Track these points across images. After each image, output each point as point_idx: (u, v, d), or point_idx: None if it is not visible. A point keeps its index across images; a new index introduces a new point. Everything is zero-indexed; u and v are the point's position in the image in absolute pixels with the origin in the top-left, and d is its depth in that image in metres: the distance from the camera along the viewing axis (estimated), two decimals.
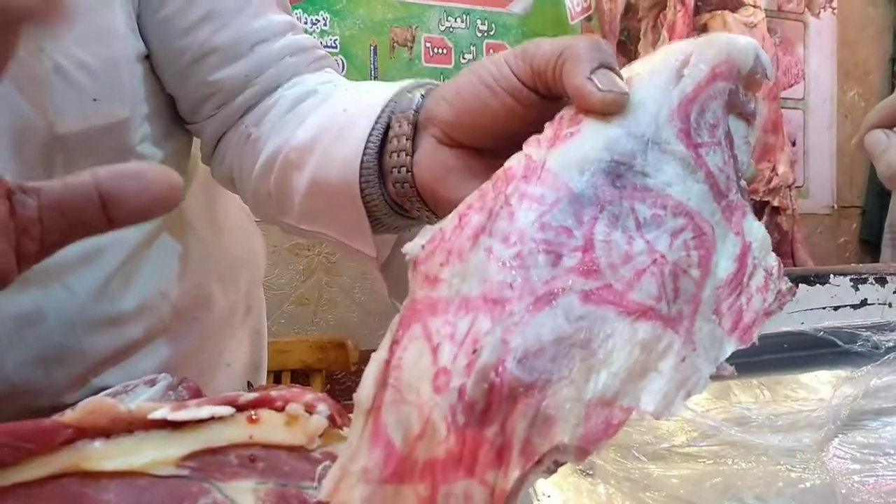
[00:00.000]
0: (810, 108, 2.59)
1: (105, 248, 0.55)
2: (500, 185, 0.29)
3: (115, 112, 0.52)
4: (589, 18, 2.21)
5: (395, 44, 1.98)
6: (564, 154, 0.28)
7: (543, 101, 0.34)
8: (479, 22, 2.08)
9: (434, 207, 0.40)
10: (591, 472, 0.41)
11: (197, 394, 0.38)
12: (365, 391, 0.26)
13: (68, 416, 0.25)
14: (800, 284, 0.68)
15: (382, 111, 0.41)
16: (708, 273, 0.27)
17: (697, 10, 2.10)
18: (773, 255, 0.29)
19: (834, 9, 2.46)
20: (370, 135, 0.41)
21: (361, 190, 0.41)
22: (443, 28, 2.04)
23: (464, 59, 2.07)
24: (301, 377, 1.69)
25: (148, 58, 0.55)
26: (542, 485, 0.39)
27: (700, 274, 0.27)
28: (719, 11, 2.09)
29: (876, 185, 2.63)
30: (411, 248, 0.29)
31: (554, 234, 0.26)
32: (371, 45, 1.95)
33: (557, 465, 0.24)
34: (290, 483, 0.26)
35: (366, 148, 0.41)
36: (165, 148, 0.58)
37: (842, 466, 0.41)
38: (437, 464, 0.24)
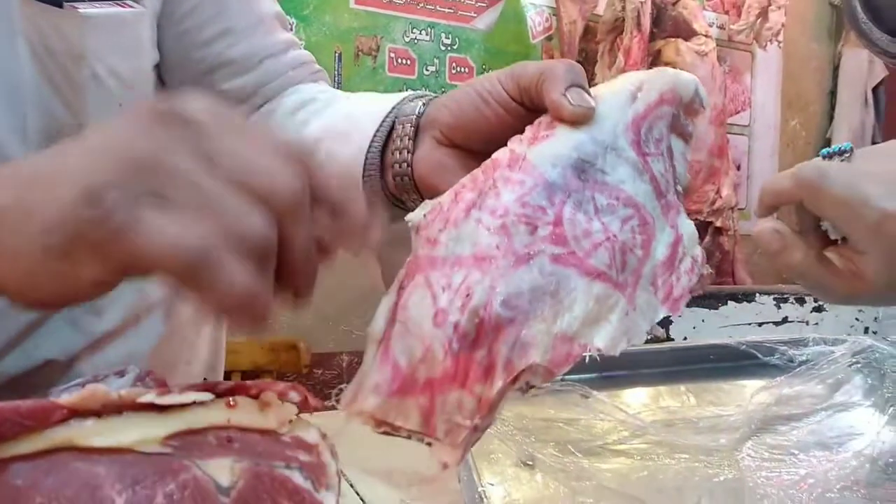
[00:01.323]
0: (755, 134, 2.71)
1: None
2: (488, 171, 0.35)
3: None
4: (549, 38, 2.28)
5: (359, 52, 2.01)
6: (541, 150, 0.35)
7: (527, 112, 0.40)
8: (443, 35, 2.13)
9: (429, 198, 0.44)
10: (531, 464, 0.45)
11: (163, 385, 0.41)
12: (377, 325, 0.32)
13: (64, 398, 0.28)
14: (728, 301, 0.74)
15: (387, 116, 0.47)
16: (648, 254, 0.34)
17: (652, 37, 2.19)
18: (699, 246, 0.37)
19: (780, 42, 2.58)
20: (375, 135, 0.47)
21: (363, 182, 0.47)
22: (407, 39, 2.08)
23: (427, 70, 2.11)
24: (252, 378, 1.69)
25: (157, 66, 0.59)
26: (486, 475, 0.43)
27: (642, 254, 0.34)
28: (673, 39, 2.18)
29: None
30: (414, 216, 0.35)
31: (531, 210, 0.33)
32: (336, 52, 1.97)
33: (529, 386, 0.30)
34: (263, 462, 0.30)
35: (370, 146, 0.47)
36: None
37: (752, 464, 0.46)
38: (435, 381, 0.30)
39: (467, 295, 0.30)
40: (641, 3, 2.13)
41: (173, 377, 0.71)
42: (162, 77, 0.61)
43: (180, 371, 0.71)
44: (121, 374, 0.45)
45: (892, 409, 0.51)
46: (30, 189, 0.27)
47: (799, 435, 0.50)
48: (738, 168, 2.61)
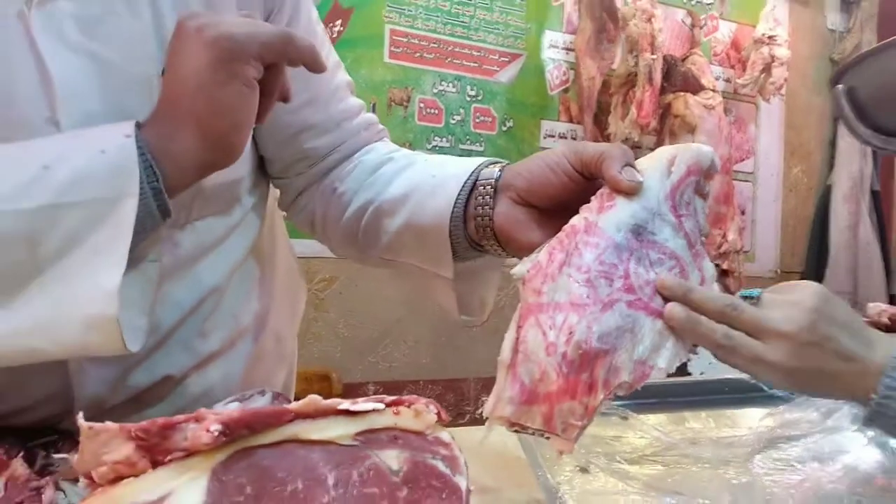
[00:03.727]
0: (759, 181, 2.85)
1: (204, 267, 0.69)
2: (571, 236, 0.48)
3: (239, 171, 0.70)
4: (566, 90, 2.44)
5: (392, 102, 2.17)
6: (608, 218, 0.48)
7: (585, 180, 0.53)
8: (468, 87, 2.29)
9: (505, 244, 0.58)
10: (586, 469, 0.57)
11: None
12: (504, 355, 0.45)
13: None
14: None
15: (468, 177, 0.61)
16: None
17: (663, 91, 2.34)
18: (717, 283, 0.50)
19: (783, 95, 2.73)
20: (459, 193, 0.60)
21: (450, 231, 0.60)
22: (436, 91, 2.23)
23: (453, 119, 2.27)
24: None
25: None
26: (556, 476, 0.55)
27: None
28: (682, 93, 2.32)
29: (814, 254, 2.90)
30: (518, 271, 0.48)
31: (607, 267, 0.46)
32: (371, 103, 2.13)
33: (615, 396, 0.43)
34: (418, 454, 0.42)
35: (455, 202, 0.60)
36: (255, 195, 0.75)
37: (761, 472, 0.58)
38: (552, 394, 0.43)
39: (570, 332, 0.43)
40: (653, 59, 2.28)
41: (255, 401, 0.83)
42: (255, 137, 0.73)
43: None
44: (262, 393, 0.58)
45: (871, 433, 0.63)
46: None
47: (798, 451, 0.62)
48: (743, 213, 2.75)
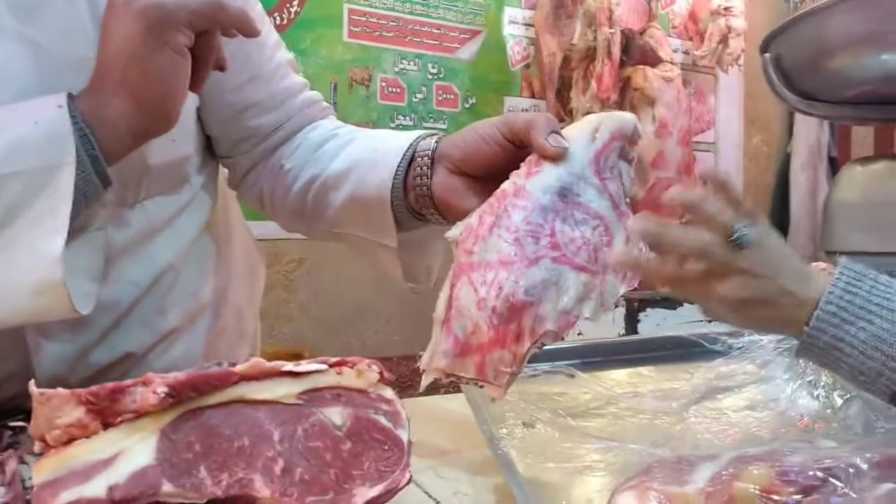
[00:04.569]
0: (721, 151, 2.91)
1: (158, 246, 0.71)
2: (500, 199, 0.51)
3: (185, 149, 0.71)
4: (528, 66, 2.45)
5: (353, 82, 2.17)
6: (535, 182, 0.51)
7: (516, 149, 0.56)
8: (430, 65, 2.29)
9: (444, 213, 0.61)
10: (532, 425, 0.60)
11: None
12: (439, 311, 0.49)
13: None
14: (685, 304, 0.90)
15: (406, 150, 0.63)
16: (612, 249, 0.51)
17: (622, 64, 2.36)
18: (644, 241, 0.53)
19: (741, 66, 2.78)
20: (398, 165, 0.63)
21: (391, 202, 0.63)
22: (397, 69, 2.24)
23: (415, 98, 2.27)
24: None
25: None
26: (501, 432, 0.58)
27: (608, 250, 0.51)
28: (641, 67, 2.35)
29: (776, 221, 2.97)
30: (451, 234, 0.51)
31: (534, 227, 0.49)
32: (332, 83, 2.12)
33: (542, 345, 0.46)
34: (360, 410, 0.45)
35: (395, 174, 0.62)
36: (204, 175, 0.77)
37: (695, 420, 0.62)
38: (484, 345, 0.46)
39: (499, 287, 0.46)
40: (612, 33, 2.30)
41: None
42: (200, 116, 0.74)
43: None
44: (220, 365, 0.60)
45: (800, 381, 0.67)
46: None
47: (732, 401, 0.66)
48: (705, 183, 2.80)
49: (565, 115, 2.44)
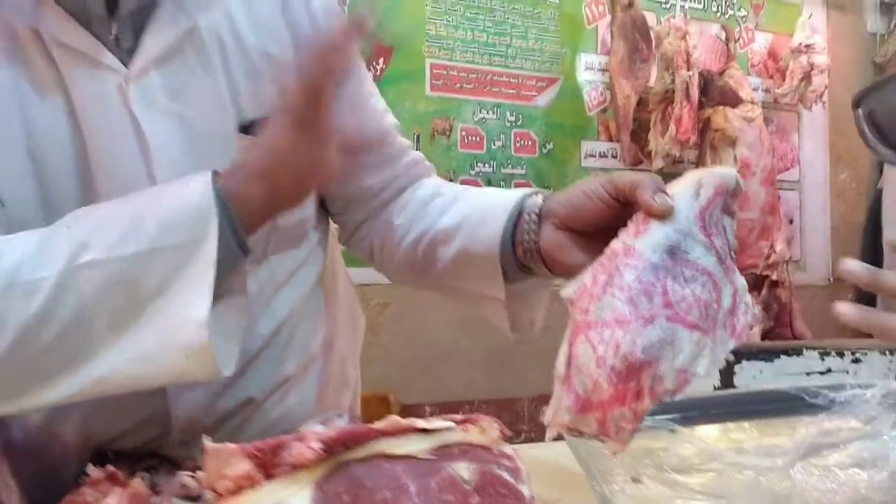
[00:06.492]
0: (805, 189, 2.84)
1: (280, 299, 0.77)
2: (611, 259, 0.53)
3: (307, 210, 0.78)
4: (604, 110, 2.49)
5: (435, 133, 2.25)
6: (644, 241, 0.53)
7: (621, 206, 0.58)
8: (508, 113, 2.36)
9: (551, 267, 0.64)
10: (639, 480, 0.63)
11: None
12: (559, 369, 0.50)
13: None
14: (781, 356, 0.90)
15: (515, 207, 0.67)
16: (720, 305, 0.53)
17: (701, 105, 2.37)
18: (749, 295, 0.55)
19: (825, 102, 2.73)
20: (507, 221, 0.67)
21: (500, 256, 0.67)
22: (476, 119, 2.32)
23: (494, 145, 2.34)
24: None
25: None
26: (610, 486, 0.61)
27: (716, 306, 0.52)
28: (721, 107, 2.35)
29: (868, 260, 2.85)
30: (566, 293, 0.53)
31: (646, 286, 0.51)
32: (415, 134, 2.22)
33: (661, 401, 0.49)
34: (486, 465, 0.49)
35: (503, 230, 0.67)
36: (319, 231, 0.84)
37: (801, 479, 0.62)
38: (604, 402, 0.48)
39: (617, 346, 0.49)
40: (689, 75, 2.32)
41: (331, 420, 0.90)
42: None
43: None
44: (340, 416, 0.65)
45: None
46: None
47: (838, 458, 0.66)
48: (791, 222, 2.73)
49: (643, 157, 2.45)
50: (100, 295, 0.54)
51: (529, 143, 2.39)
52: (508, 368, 2.29)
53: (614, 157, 2.50)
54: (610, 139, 2.49)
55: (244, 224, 0.59)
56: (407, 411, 2.15)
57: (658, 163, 2.38)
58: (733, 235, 0.57)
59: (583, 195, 0.61)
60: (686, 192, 0.55)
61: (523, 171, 2.38)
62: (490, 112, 2.34)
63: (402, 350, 2.19)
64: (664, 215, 0.53)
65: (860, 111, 0.70)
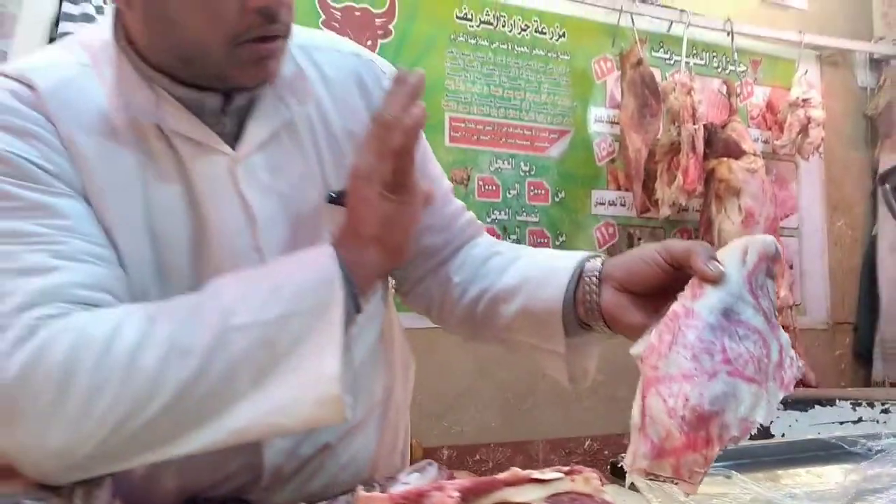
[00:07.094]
0: (804, 236, 2.94)
1: (354, 349, 0.83)
2: (674, 320, 0.60)
3: None
4: (613, 160, 2.59)
5: (453, 182, 2.33)
6: (701, 304, 0.60)
7: (674, 270, 0.66)
8: (522, 164, 2.46)
9: (611, 325, 0.71)
10: None
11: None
12: (635, 420, 0.57)
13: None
14: (815, 405, 0.98)
15: (575, 270, 0.74)
16: (769, 360, 0.60)
17: (706, 157, 2.47)
18: (792, 349, 0.63)
19: (821, 153, 2.85)
20: (568, 283, 0.74)
21: (563, 315, 0.74)
22: (493, 169, 2.41)
23: (509, 194, 2.43)
24: None
25: None
26: None
27: (767, 361, 0.59)
28: (725, 159, 2.46)
29: (865, 304, 2.95)
30: (636, 351, 0.61)
31: (706, 344, 0.58)
32: None
33: (727, 447, 0.55)
34: None
35: (566, 290, 0.74)
36: (383, 287, 0.91)
37: None
38: (677, 449, 0.54)
39: (686, 399, 0.56)
40: (695, 129, 2.43)
41: (390, 465, 0.95)
42: None
43: (391, 461, 0.96)
44: (431, 464, 0.71)
45: None
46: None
47: (884, 501, 0.73)
48: (791, 267, 2.83)
49: (650, 205, 2.55)
50: (246, 353, 0.61)
51: (543, 191, 2.49)
52: (522, 412, 2.35)
53: (623, 205, 2.59)
54: (619, 188, 2.59)
55: (360, 287, 0.67)
56: (427, 453, 2.19)
57: (665, 211, 2.48)
58: (775, 296, 0.64)
59: (640, 261, 0.69)
60: (734, 258, 0.63)
61: (537, 219, 2.47)
62: (505, 162, 2.43)
63: (422, 394, 2.24)
64: (716, 280, 0.61)
65: (887, 186, 0.78)
